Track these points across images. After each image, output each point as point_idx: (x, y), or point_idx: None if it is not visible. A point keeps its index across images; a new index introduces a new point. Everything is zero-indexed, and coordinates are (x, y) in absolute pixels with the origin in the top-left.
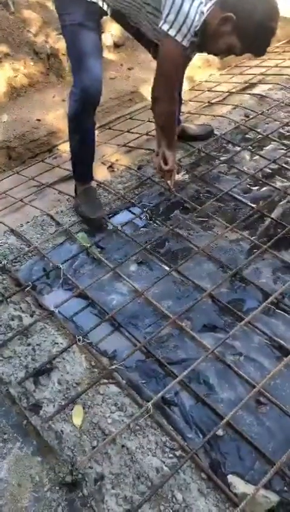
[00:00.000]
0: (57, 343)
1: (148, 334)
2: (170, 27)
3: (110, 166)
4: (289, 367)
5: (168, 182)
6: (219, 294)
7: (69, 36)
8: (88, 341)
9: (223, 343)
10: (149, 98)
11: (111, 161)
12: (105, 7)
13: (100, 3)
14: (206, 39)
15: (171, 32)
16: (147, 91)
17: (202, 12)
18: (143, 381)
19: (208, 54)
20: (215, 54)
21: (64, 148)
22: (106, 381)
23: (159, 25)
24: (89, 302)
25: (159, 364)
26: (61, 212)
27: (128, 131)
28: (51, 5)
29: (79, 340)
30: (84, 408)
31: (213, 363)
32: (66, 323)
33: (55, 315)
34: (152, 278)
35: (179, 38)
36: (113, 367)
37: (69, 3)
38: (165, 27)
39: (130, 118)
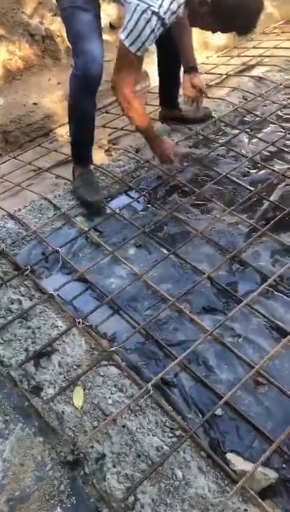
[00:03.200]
0: (57, 326)
1: (148, 316)
2: (126, 37)
3: (108, 150)
4: (287, 348)
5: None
6: (217, 277)
7: (68, 19)
8: (88, 324)
9: (222, 325)
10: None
11: (108, 145)
12: None
13: None
14: (190, 18)
15: (126, 43)
16: (143, 75)
17: (162, 26)
18: (143, 363)
19: (200, 29)
20: (205, 30)
21: (61, 131)
22: (105, 363)
23: (120, 31)
24: (88, 285)
25: (158, 346)
26: (59, 196)
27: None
28: None
29: (79, 323)
30: (84, 389)
31: (212, 345)
32: (65, 306)
33: (55, 298)
34: (151, 261)
35: (132, 49)
36: (113, 349)
37: None
38: (122, 36)
39: None
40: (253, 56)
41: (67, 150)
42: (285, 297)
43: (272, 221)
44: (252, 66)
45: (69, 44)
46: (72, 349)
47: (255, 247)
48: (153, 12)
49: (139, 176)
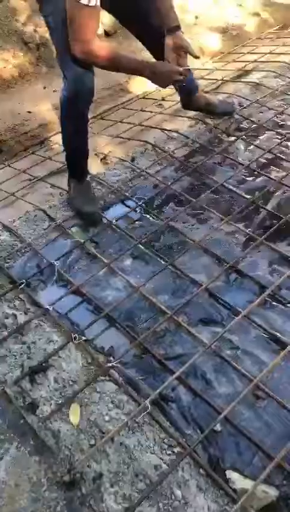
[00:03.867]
0: (53, 341)
1: (145, 329)
2: None
3: (104, 158)
4: (287, 360)
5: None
6: (215, 288)
7: (56, 34)
8: (84, 338)
9: (220, 338)
10: (142, 87)
11: (104, 153)
12: None
13: None
14: None
15: None
16: (139, 80)
17: None
18: (140, 378)
19: None
20: None
21: (56, 139)
22: (102, 378)
23: None
24: (84, 298)
25: (156, 360)
26: (54, 206)
27: (120, 122)
28: None
29: (75, 338)
30: (81, 406)
31: (210, 358)
32: (61, 320)
33: (50, 312)
34: (148, 272)
35: (83, 0)
36: (110, 365)
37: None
38: None
39: (122, 108)
40: (249, 61)
41: (62, 158)
42: (283, 307)
43: (269, 231)
44: (248, 72)
45: None
46: (68, 365)
47: (252, 257)
48: None
49: (135, 185)
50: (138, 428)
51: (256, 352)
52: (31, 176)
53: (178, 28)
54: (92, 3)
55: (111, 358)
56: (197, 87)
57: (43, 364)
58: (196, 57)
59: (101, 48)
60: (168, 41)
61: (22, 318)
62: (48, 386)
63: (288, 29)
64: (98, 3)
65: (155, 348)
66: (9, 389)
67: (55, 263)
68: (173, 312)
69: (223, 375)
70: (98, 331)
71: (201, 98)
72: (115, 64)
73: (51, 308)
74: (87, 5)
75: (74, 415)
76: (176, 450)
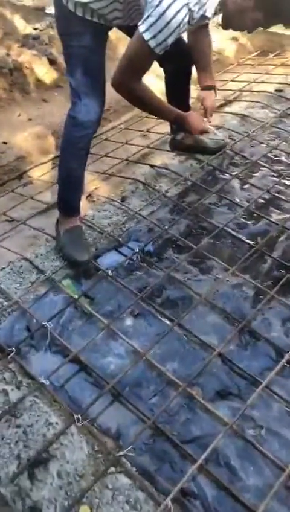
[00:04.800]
0: (52, 424)
1: (155, 405)
2: (146, 29)
3: (90, 196)
4: None
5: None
6: (228, 353)
7: (74, 60)
8: (87, 420)
9: (241, 415)
10: (125, 114)
11: (90, 190)
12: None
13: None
14: (228, 16)
15: (146, 36)
16: (122, 109)
17: (188, 22)
18: (156, 468)
19: (234, 30)
20: (241, 29)
21: (36, 173)
22: (113, 469)
23: (138, 24)
24: (82, 366)
25: (170, 443)
26: (41, 255)
27: (106, 156)
28: (9, 15)
29: (78, 419)
30: (91, 510)
31: (232, 440)
32: (59, 395)
33: (46, 386)
34: (152, 334)
35: (152, 44)
36: (121, 453)
37: (76, 23)
38: (142, 28)
39: (105, 139)
40: (233, 90)
41: (44, 196)
42: None
43: (280, 283)
44: (232, 101)
45: (39, 77)
46: (72, 454)
47: (264, 314)
48: (184, 4)
49: (128, 229)
50: None
51: (282, 432)
52: (10, 217)
53: (212, 87)
54: (158, 52)
55: (120, 441)
56: None
57: (43, 454)
58: (206, 118)
59: (143, 89)
60: (201, 94)
61: (14, 395)
62: (51, 483)
63: (268, 55)
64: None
65: (169, 428)
66: (4, 489)
67: (47, 325)
68: (186, 385)
69: (249, 462)
70: (102, 408)
71: (190, 137)
72: (147, 107)
73: (46, 382)
74: (155, 52)
75: None
76: None
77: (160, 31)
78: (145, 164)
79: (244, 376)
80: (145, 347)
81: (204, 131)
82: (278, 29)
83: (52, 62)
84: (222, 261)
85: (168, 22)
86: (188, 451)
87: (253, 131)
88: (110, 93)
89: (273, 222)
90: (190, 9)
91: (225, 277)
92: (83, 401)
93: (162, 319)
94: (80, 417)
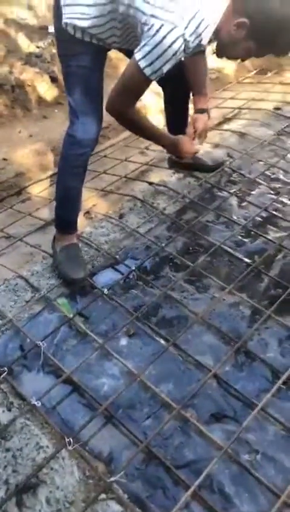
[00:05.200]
0: (42, 447)
1: (148, 428)
2: (143, 57)
3: (87, 212)
4: None
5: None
6: (224, 374)
7: (73, 79)
8: (79, 443)
9: (236, 438)
10: (124, 132)
11: (88, 207)
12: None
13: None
14: (221, 46)
15: (142, 64)
16: (121, 126)
17: (184, 51)
18: (148, 495)
19: (228, 59)
20: (234, 59)
21: (35, 190)
22: (104, 496)
23: (135, 51)
24: (75, 387)
25: (163, 468)
26: (37, 273)
27: (104, 173)
28: (13, 33)
29: (69, 443)
30: None
31: (226, 465)
32: (50, 417)
33: (38, 408)
34: (147, 354)
35: (147, 71)
36: (113, 479)
37: (75, 44)
38: (138, 55)
39: (104, 156)
40: (232, 108)
41: (42, 213)
42: None
43: (277, 302)
44: (231, 119)
45: (40, 94)
46: (63, 479)
47: (261, 334)
48: (179, 35)
49: (126, 247)
50: None
51: (278, 457)
52: (7, 234)
53: (205, 110)
54: (153, 78)
55: (112, 466)
56: None
57: (32, 480)
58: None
59: (135, 114)
60: (194, 116)
61: (5, 417)
62: (40, 510)
63: (267, 73)
64: None
65: (162, 453)
66: None
67: (41, 344)
68: (180, 407)
69: (244, 488)
70: (95, 431)
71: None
72: (140, 130)
73: (38, 404)
74: (150, 79)
75: None
76: None
77: (156, 59)
78: (144, 181)
79: (240, 398)
80: (140, 368)
81: (194, 154)
82: None
83: (53, 80)
84: (219, 280)
85: (164, 51)
86: (181, 477)
87: (251, 149)
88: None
89: (270, 240)
90: (185, 40)
91: (221, 296)
92: (75, 424)
93: (158, 339)
94: (71, 440)
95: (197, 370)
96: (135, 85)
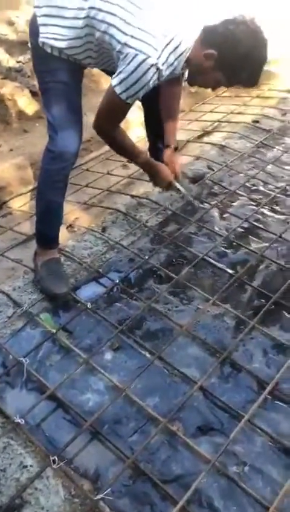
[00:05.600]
0: (26, 467)
1: (134, 443)
2: (118, 84)
3: (70, 226)
4: None
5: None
6: (210, 386)
7: (51, 94)
8: (64, 461)
9: (223, 451)
10: (106, 146)
11: (70, 220)
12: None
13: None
14: (192, 75)
15: (118, 90)
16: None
17: (158, 79)
18: (135, 511)
19: (199, 87)
20: (205, 87)
21: (16, 204)
22: None
23: (112, 77)
24: (59, 404)
25: (151, 483)
26: (19, 288)
27: (86, 186)
28: None
29: (54, 461)
30: None
31: (215, 478)
32: (34, 435)
33: (21, 426)
34: (132, 368)
35: (123, 96)
36: (99, 497)
37: (52, 61)
38: (114, 81)
39: (86, 170)
40: (212, 121)
41: (23, 228)
42: (285, 406)
43: (260, 312)
44: (211, 132)
45: (21, 108)
46: (48, 499)
47: (245, 345)
48: (152, 64)
49: (109, 260)
50: None
51: (266, 469)
52: None
53: (176, 148)
54: (131, 102)
55: (98, 483)
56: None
57: (17, 500)
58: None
59: (120, 133)
60: (167, 151)
61: None
62: None
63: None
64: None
65: (149, 468)
66: None
67: (24, 360)
68: (167, 420)
69: (232, 501)
70: (80, 448)
71: None
72: (123, 151)
73: (22, 422)
74: (128, 103)
75: None
76: None
77: (131, 86)
78: (126, 194)
79: (227, 410)
80: (125, 382)
81: (169, 186)
82: None
83: (34, 94)
84: (203, 291)
85: (138, 79)
86: (169, 492)
87: (231, 161)
88: (89, 126)
89: (252, 251)
90: (158, 69)
91: (205, 307)
92: (60, 441)
93: (143, 352)
94: (56, 458)
95: (183, 383)
96: (115, 108)
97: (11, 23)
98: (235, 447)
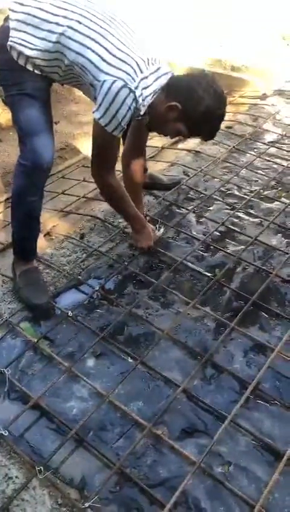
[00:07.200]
0: (12, 478)
1: (120, 449)
2: (101, 116)
3: (48, 234)
4: (286, 474)
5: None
6: (193, 388)
7: (16, 106)
8: (50, 471)
9: (208, 452)
10: (82, 152)
11: (48, 228)
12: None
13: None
14: (153, 122)
15: (102, 122)
16: (78, 145)
17: (139, 107)
18: None
19: (158, 134)
20: (164, 135)
21: None
22: None
23: (93, 110)
24: (43, 412)
25: (138, 488)
26: None
27: (63, 193)
28: None
29: (40, 471)
30: None
31: (201, 479)
32: (18, 445)
33: (4, 437)
34: (115, 374)
35: (109, 129)
36: (86, 505)
37: (17, 72)
38: (96, 114)
39: (62, 177)
40: None
41: (1, 237)
42: (267, 405)
43: (239, 314)
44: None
45: None
46: (35, 510)
47: (226, 347)
48: (130, 90)
49: (88, 267)
50: None
51: (250, 467)
52: None
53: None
54: (117, 134)
55: (85, 491)
56: (146, 169)
57: None
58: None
59: (118, 187)
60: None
61: None
62: None
63: None
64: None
65: (135, 473)
66: None
67: (6, 371)
68: (151, 424)
69: (219, 501)
70: (65, 456)
71: (145, 174)
72: (117, 204)
73: (5, 433)
74: (114, 135)
75: None
76: None
77: (113, 117)
78: (103, 201)
79: (210, 411)
80: (109, 388)
81: (148, 250)
82: (224, 70)
83: (6, 103)
84: (183, 295)
85: (118, 109)
86: (156, 496)
87: (206, 167)
88: (66, 132)
89: (229, 254)
90: (135, 97)
91: (186, 310)
92: (45, 451)
93: (125, 358)
94: (41, 468)
95: (166, 386)
96: (104, 142)
97: None
98: (220, 448)
